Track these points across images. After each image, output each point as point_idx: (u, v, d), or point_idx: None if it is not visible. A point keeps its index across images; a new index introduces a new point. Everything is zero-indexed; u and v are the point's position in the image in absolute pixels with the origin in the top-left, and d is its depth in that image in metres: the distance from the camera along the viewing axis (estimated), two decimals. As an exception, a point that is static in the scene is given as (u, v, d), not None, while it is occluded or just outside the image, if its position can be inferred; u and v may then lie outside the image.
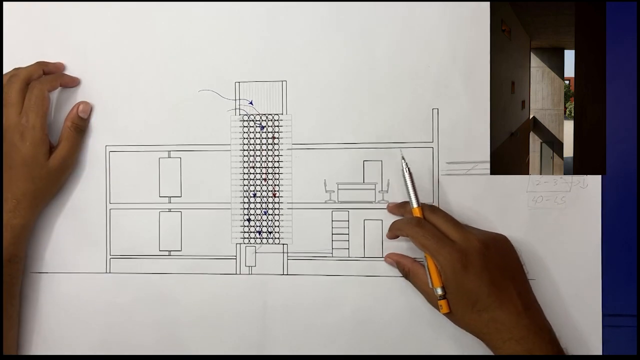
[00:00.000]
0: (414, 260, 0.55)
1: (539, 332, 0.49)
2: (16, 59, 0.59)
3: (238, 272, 0.58)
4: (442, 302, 0.51)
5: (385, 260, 0.57)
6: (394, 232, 0.55)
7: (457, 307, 0.50)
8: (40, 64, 0.58)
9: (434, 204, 0.55)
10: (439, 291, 0.51)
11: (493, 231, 0.54)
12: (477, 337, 0.51)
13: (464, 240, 0.50)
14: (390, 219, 0.57)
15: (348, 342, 0.57)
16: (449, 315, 0.51)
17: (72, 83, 0.59)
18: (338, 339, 0.57)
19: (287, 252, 0.58)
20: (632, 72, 0.56)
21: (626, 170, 0.56)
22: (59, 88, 0.59)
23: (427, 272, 0.52)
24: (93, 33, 0.60)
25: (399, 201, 0.57)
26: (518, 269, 0.52)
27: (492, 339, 0.49)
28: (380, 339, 0.57)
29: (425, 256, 0.52)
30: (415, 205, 0.53)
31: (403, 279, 0.56)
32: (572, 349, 0.54)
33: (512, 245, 0.53)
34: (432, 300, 0.53)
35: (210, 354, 0.58)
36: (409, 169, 0.54)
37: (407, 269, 0.55)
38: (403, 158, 0.55)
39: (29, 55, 0.59)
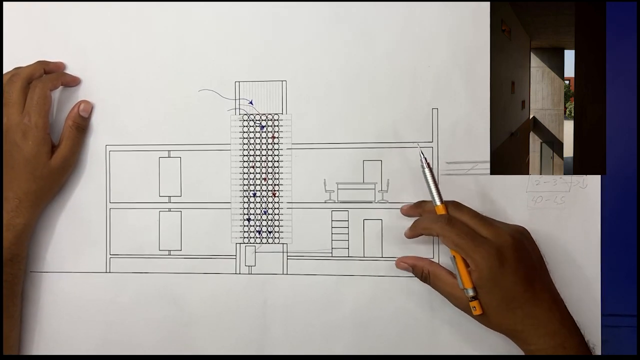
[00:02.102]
0: (432, 261, 0.55)
1: (568, 324, 0.50)
2: (16, 58, 0.60)
3: (238, 272, 0.59)
4: (475, 304, 0.49)
5: (398, 266, 0.56)
6: (417, 231, 0.54)
7: (491, 307, 0.49)
8: (41, 63, 0.59)
9: (455, 200, 0.54)
10: (471, 292, 0.49)
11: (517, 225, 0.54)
12: (508, 335, 0.51)
13: (495, 236, 0.49)
14: (389, 219, 0.58)
15: (348, 342, 0.58)
16: (480, 316, 0.50)
17: (73, 82, 0.60)
18: (338, 339, 0.58)
19: (287, 252, 0.59)
20: (632, 72, 0.57)
21: (626, 170, 0.57)
22: (60, 87, 0.60)
23: (457, 273, 0.50)
24: (93, 32, 0.61)
25: (400, 200, 0.57)
26: (542, 261, 0.53)
27: (526, 335, 0.49)
28: (380, 339, 0.58)
29: (453, 256, 0.51)
30: (438, 202, 0.52)
31: (403, 279, 0.58)
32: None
33: (532, 237, 0.54)
34: (458, 302, 0.51)
35: (210, 354, 0.59)
36: (428, 164, 0.53)
37: (426, 272, 0.54)
38: (422, 153, 0.54)
39: (29, 55, 0.60)
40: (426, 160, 0.53)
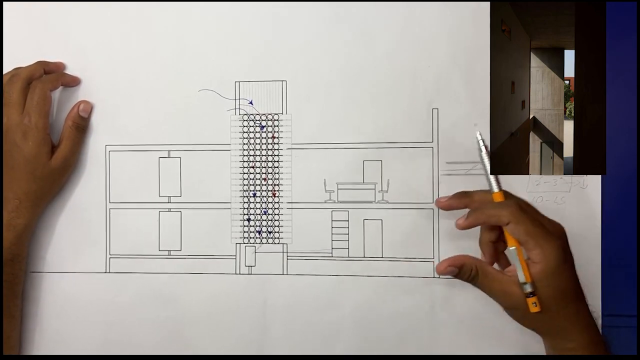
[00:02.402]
0: (478, 259, 0.50)
1: (593, 318, 0.49)
2: (16, 58, 0.60)
3: (238, 272, 0.59)
4: (535, 299, 0.47)
5: (444, 271, 0.50)
6: (481, 219, 0.49)
7: (548, 302, 0.47)
8: (41, 63, 0.59)
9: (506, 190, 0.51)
10: (529, 288, 0.47)
11: None
12: (549, 334, 0.49)
13: (555, 228, 0.48)
14: (389, 218, 0.58)
15: (348, 342, 0.58)
16: (535, 313, 0.47)
17: (73, 82, 0.61)
18: (338, 339, 0.58)
19: (287, 252, 0.59)
20: (632, 72, 0.57)
21: (626, 170, 0.57)
22: (60, 88, 0.61)
23: (518, 266, 0.47)
24: (93, 32, 0.61)
25: (400, 200, 0.57)
26: None
27: (570, 332, 0.48)
28: (380, 339, 0.58)
29: (515, 248, 0.48)
30: (497, 189, 0.49)
31: (403, 279, 0.58)
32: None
33: None
34: (512, 300, 0.48)
35: (210, 354, 0.59)
36: (486, 146, 0.50)
37: (475, 271, 0.49)
38: (480, 135, 0.51)
39: (29, 55, 0.60)
40: (484, 142, 0.50)
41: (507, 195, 0.50)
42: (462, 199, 0.51)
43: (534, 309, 0.47)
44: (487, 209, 0.49)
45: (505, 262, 0.51)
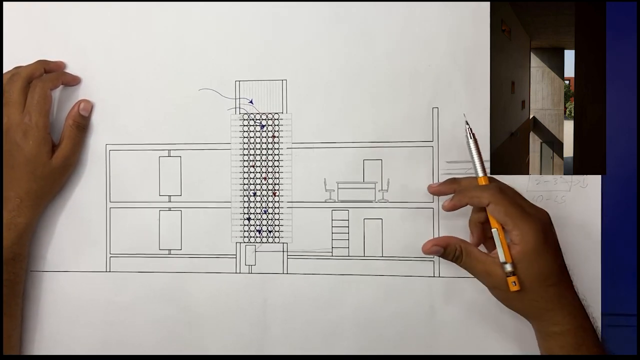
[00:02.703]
0: (463, 240, 0.52)
1: (582, 305, 0.50)
2: (16, 58, 0.61)
3: (238, 271, 0.59)
4: (514, 279, 0.48)
5: (429, 250, 0.52)
6: (464, 201, 0.52)
7: (527, 282, 0.49)
8: (41, 62, 0.60)
9: (492, 176, 0.54)
10: (509, 267, 0.49)
11: None
12: (535, 317, 0.51)
13: (537, 212, 0.50)
14: (389, 218, 0.58)
15: (348, 341, 0.59)
16: (514, 293, 0.49)
17: (73, 81, 0.61)
18: (338, 338, 0.58)
19: (287, 251, 0.59)
20: (632, 72, 0.57)
21: (626, 170, 0.57)
22: (60, 87, 0.61)
23: (499, 246, 0.49)
24: (93, 32, 0.62)
25: (400, 199, 0.58)
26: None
27: (554, 314, 0.49)
28: (380, 338, 0.59)
29: (495, 229, 0.50)
30: (482, 174, 0.52)
31: (403, 278, 0.58)
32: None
33: None
34: (494, 280, 0.50)
35: (210, 353, 0.59)
36: (473, 134, 0.53)
37: (459, 250, 0.52)
38: (467, 123, 0.54)
39: (29, 55, 0.61)
40: (471, 131, 0.53)
41: (491, 179, 0.53)
42: (451, 185, 0.54)
43: (513, 287, 0.48)
44: (469, 191, 0.51)
45: (492, 246, 0.52)
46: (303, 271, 0.59)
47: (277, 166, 0.60)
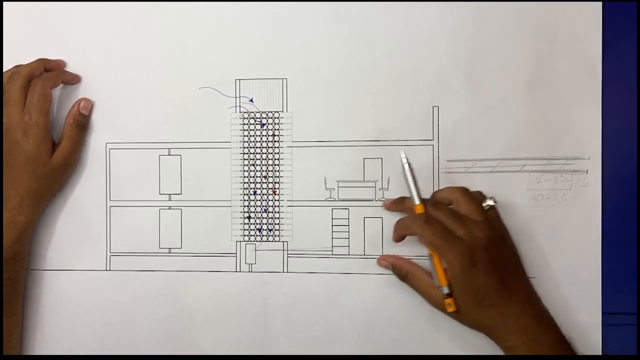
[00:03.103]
0: (411, 262, 0.56)
1: (542, 320, 0.51)
2: (16, 57, 0.61)
3: (238, 270, 0.60)
4: (450, 301, 0.51)
5: (379, 263, 0.58)
6: (400, 232, 0.55)
7: (464, 305, 0.51)
8: (41, 61, 0.60)
9: (434, 199, 0.56)
10: (446, 290, 0.51)
11: (496, 222, 0.54)
12: (483, 332, 0.52)
13: (470, 236, 0.51)
14: (389, 217, 0.59)
15: (348, 340, 0.59)
16: (455, 313, 0.52)
17: (73, 80, 0.61)
18: (338, 336, 0.59)
19: (287, 250, 0.59)
20: (631, 72, 0.57)
21: (626, 169, 0.58)
22: (60, 86, 0.61)
23: (434, 271, 0.52)
24: (93, 31, 0.62)
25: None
26: (518, 259, 0.54)
27: (499, 332, 0.51)
28: (381, 337, 0.59)
29: (430, 254, 0.53)
30: (417, 201, 0.54)
31: (401, 277, 0.58)
32: (579, 350, 0.55)
33: (509, 233, 0.55)
34: (434, 300, 0.53)
35: (210, 352, 0.60)
36: (409, 164, 0.55)
37: (404, 271, 0.56)
38: (404, 152, 0.56)
39: (29, 54, 0.61)
40: (407, 160, 0.55)
41: (435, 205, 0.54)
42: (398, 205, 0.57)
43: (449, 308, 0.51)
44: (402, 221, 0.55)
45: None
46: (303, 270, 0.59)
47: (277, 165, 0.60)
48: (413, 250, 0.58)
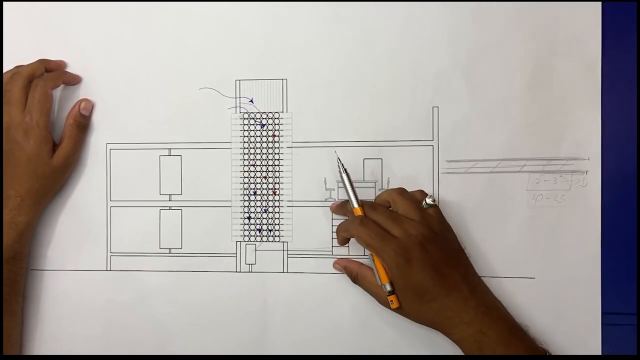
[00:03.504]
0: (361, 263, 0.58)
1: (487, 311, 0.52)
2: (17, 58, 0.61)
3: (238, 270, 0.60)
4: (392, 297, 0.53)
5: (334, 267, 0.59)
6: (341, 235, 0.56)
7: (406, 301, 0.53)
8: (42, 61, 0.60)
9: (374, 201, 0.57)
10: (388, 287, 0.53)
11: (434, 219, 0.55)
12: (431, 327, 0.54)
13: (404, 235, 0.52)
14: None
15: (348, 339, 0.59)
16: (399, 310, 0.53)
17: (74, 81, 0.61)
18: (338, 336, 0.59)
19: (287, 250, 0.60)
20: (632, 72, 0.58)
21: (626, 168, 0.58)
22: (61, 86, 0.61)
23: (375, 270, 0.54)
24: (93, 31, 0.62)
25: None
26: (460, 254, 0.55)
27: (444, 326, 0.52)
28: (380, 337, 0.59)
29: (371, 254, 0.54)
30: (355, 205, 0.55)
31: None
32: (571, 347, 0.56)
33: (451, 230, 0.56)
34: (381, 299, 0.55)
35: (210, 352, 0.60)
36: (345, 169, 0.56)
37: (354, 273, 0.57)
38: (338, 159, 0.57)
39: (30, 55, 0.61)
40: (343, 166, 0.56)
41: (372, 207, 0.55)
42: (341, 208, 0.58)
43: (392, 305, 0.53)
44: (342, 225, 0.56)
45: None
46: (303, 270, 0.60)
47: (278, 165, 0.60)
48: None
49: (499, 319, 0.52)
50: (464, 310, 0.51)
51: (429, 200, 0.54)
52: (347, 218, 0.57)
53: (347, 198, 0.56)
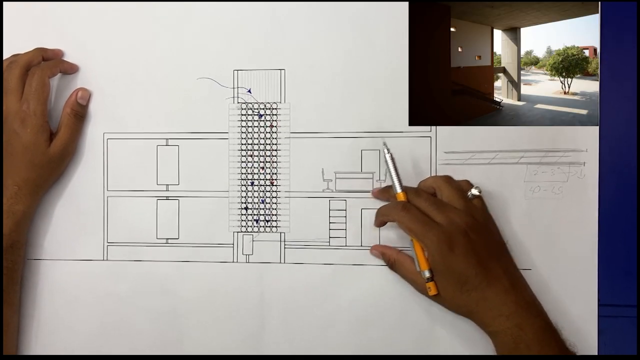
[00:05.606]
0: (399, 250, 0.58)
1: (527, 307, 0.52)
2: (14, 46, 0.62)
3: (235, 260, 0.61)
4: (430, 284, 0.54)
5: (371, 252, 0.60)
6: (380, 219, 0.57)
7: (445, 289, 0.53)
8: (40, 50, 0.61)
9: (417, 187, 0.58)
10: (427, 274, 0.54)
11: (479, 210, 0.56)
12: (466, 317, 0.54)
13: (448, 222, 0.53)
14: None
15: (344, 330, 0.60)
16: (437, 297, 0.54)
17: (71, 70, 0.62)
18: (334, 327, 0.60)
19: (284, 241, 0.60)
20: (632, 72, 0.58)
21: (624, 159, 0.59)
22: (58, 75, 0.62)
23: (415, 256, 0.55)
24: (91, 21, 0.63)
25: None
26: (502, 246, 0.56)
27: (481, 316, 0.52)
28: (377, 328, 0.60)
29: (412, 240, 0.55)
30: (399, 190, 0.56)
31: (397, 268, 0.59)
32: (568, 339, 0.56)
33: (494, 223, 0.56)
34: (419, 286, 0.56)
35: (206, 342, 0.61)
36: (391, 154, 0.57)
37: (392, 260, 0.58)
38: (385, 144, 0.57)
39: (27, 43, 0.62)
40: (388, 150, 0.57)
41: (416, 192, 0.56)
42: (384, 193, 0.59)
43: (430, 292, 0.54)
44: (382, 209, 0.57)
45: None
46: (300, 261, 0.60)
47: (275, 156, 0.61)
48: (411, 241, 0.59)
49: (537, 316, 0.52)
50: (504, 303, 0.51)
51: (474, 191, 0.55)
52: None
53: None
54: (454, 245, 0.52)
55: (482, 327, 0.53)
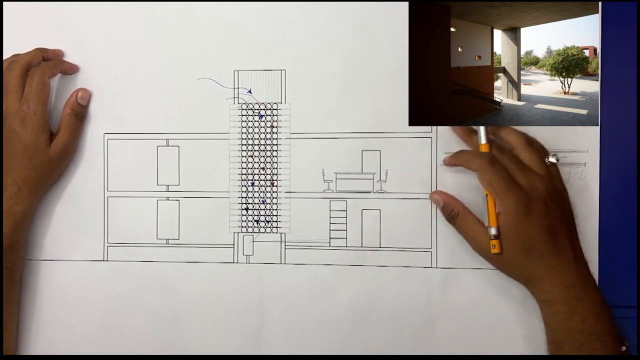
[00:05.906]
0: (462, 204, 0.57)
1: (586, 281, 0.52)
2: (15, 46, 0.62)
3: (235, 261, 0.61)
4: (495, 242, 0.53)
5: (431, 197, 0.59)
6: (458, 161, 0.57)
7: (510, 251, 0.53)
8: (40, 50, 0.61)
9: (502, 145, 0.56)
10: (493, 231, 0.53)
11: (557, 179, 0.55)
12: (522, 282, 0.55)
13: (530, 186, 0.52)
14: (387, 209, 0.60)
15: (345, 331, 0.60)
16: (498, 257, 0.53)
17: (72, 70, 0.62)
18: (335, 328, 0.60)
19: (285, 241, 0.60)
20: (632, 72, 0.58)
21: (624, 160, 0.59)
22: (58, 75, 0.62)
23: (486, 211, 0.54)
24: (92, 21, 0.63)
25: (398, 190, 0.60)
26: (572, 220, 0.55)
27: (540, 283, 0.53)
28: (377, 329, 0.60)
29: (486, 194, 0.54)
30: (484, 141, 0.55)
31: (400, 268, 0.59)
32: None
33: (568, 196, 0.56)
34: (479, 243, 0.55)
35: (207, 343, 0.61)
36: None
37: (456, 212, 0.56)
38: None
39: (28, 43, 0.62)
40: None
41: (501, 149, 0.55)
42: (466, 133, 0.57)
43: (493, 250, 0.53)
44: (466, 154, 0.56)
45: None
46: (300, 261, 0.60)
47: (276, 156, 0.61)
48: (411, 242, 0.59)
49: (595, 291, 0.52)
50: (566, 273, 0.52)
51: (552, 159, 0.55)
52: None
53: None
54: (531, 210, 0.51)
55: (538, 294, 0.53)
